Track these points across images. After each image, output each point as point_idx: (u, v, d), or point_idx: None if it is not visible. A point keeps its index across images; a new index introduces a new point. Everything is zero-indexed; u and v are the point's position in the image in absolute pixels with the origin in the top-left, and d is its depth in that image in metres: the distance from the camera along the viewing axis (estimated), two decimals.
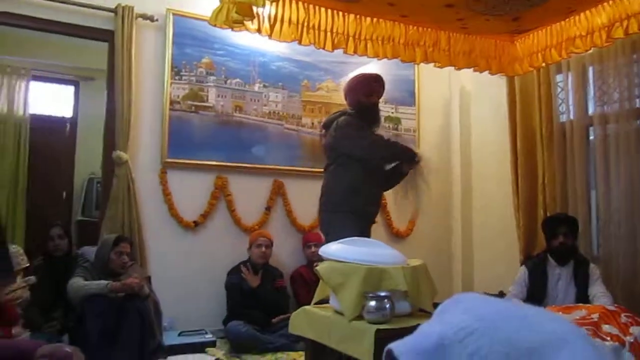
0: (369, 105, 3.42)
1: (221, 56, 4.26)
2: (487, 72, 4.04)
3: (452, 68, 3.97)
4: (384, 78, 4.81)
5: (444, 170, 5.20)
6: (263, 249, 4.02)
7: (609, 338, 2.25)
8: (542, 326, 0.58)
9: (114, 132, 3.87)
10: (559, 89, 4.31)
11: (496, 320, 0.59)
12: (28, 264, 3.24)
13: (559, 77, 4.32)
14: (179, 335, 3.77)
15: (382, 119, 3.72)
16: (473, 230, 5.12)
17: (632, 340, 2.25)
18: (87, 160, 5.97)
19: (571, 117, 4.20)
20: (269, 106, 4.43)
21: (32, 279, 3.46)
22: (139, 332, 3.19)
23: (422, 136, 5.10)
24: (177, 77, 4.09)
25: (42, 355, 1.36)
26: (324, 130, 3.58)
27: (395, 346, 0.59)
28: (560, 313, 2.55)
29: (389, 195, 4.68)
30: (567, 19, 3.59)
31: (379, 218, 4.65)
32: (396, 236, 4.88)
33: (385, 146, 3.40)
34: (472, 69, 3.99)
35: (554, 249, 3.54)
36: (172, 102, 4.07)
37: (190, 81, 4.15)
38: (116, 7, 3.89)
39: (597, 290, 3.36)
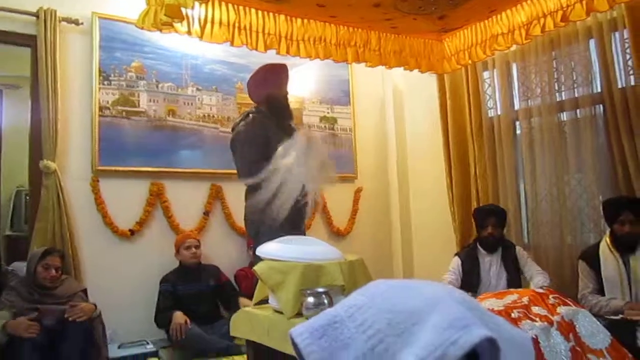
0: (281, 97, 3.23)
1: (152, 59, 4.16)
2: (417, 70, 4.15)
3: (384, 67, 4.05)
4: (319, 78, 4.92)
5: (381, 168, 5.30)
6: (193, 249, 3.94)
7: (538, 319, 2.36)
8: (421, 292, 0.63)
9: (40, 141, 3.71)
10: (487, 85, 4.49)
11: (382, 294, 0.64)
12: None
13: (485, 74, 4.51)
14: (119, 347, 3.66)
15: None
16: (412, 225, 5.23)
17: (559, 320, 2.37)
18: (14, 171, 5.69)
19: (498, 112, 4.39)
20: (203, 109, 4.36)
21: None
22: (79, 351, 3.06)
23: (359, 135, 5.17)
24: (105, 82, 3.96)
25: None
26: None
27: (293, 330, 0.64)
28: (494, 298, 2.65)
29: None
30: (489, 18, 3.75)
31: (318, 217, 4.72)
32: (336, 235, 4.92)
33: (256, 177, 2.89)
34: (402, 68, 4.08)
35: (482, 238, 3.70)
36: (101, 108, 3.93)
37: (120, 86, 4.03)
38: (38, 11, 3.72)
39: (533, 270, 3.55)
